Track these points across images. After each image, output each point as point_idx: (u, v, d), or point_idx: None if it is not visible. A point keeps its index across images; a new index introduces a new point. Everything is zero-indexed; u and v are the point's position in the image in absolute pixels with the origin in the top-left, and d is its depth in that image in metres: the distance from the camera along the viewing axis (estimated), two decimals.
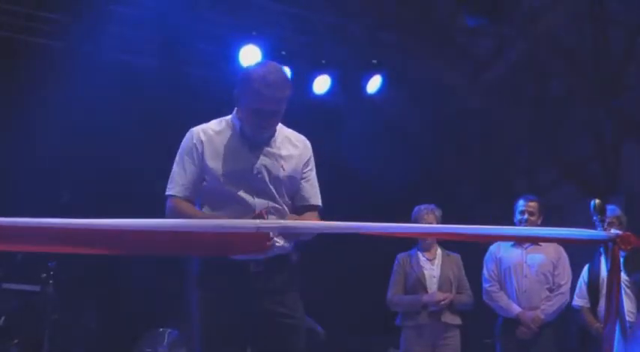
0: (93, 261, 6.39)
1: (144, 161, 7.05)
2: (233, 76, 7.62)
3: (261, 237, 3.23)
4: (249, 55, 7.45)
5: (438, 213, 6.07)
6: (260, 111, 3.43)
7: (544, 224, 5.85)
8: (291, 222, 3.35)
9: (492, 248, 6.12)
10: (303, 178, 3.62)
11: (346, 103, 8.49)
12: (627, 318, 4.90)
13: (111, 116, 7.18)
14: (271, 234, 3.26)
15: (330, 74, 8.14)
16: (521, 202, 6.03)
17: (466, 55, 9.02)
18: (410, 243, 6.25)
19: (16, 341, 6.48)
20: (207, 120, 3.67)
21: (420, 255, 6.15)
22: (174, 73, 7.72)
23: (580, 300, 5.83)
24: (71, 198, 6.86)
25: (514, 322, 5.87)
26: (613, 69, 8.46)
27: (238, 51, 7.50)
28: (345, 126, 8.47)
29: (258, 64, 3.63)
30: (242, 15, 7.63)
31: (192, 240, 3.24)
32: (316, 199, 3.65)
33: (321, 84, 8.16)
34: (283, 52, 7.62)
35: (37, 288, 6.44)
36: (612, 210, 5.49)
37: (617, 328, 3.36)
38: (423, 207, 6.07)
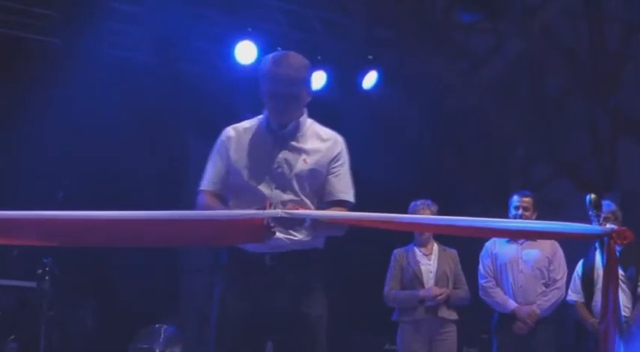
0: (89, 257, 6.40)
1: (140, 157, 7.04)
2: (229, 71, 7.65)
3: (256, 226, 3.23)
4: (245, 51, 7.45)
5: (434, 208, 6.06)
6: (275, 93, 3.43)
7: (539, 220, 5.83)
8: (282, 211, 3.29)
9: (488, 244, 6.12)
10: (331, 173, 3.55)
11: (342, 99, 8.48)
12: (622, 313, 4.91)
13: (107, 112, 7.17)
14: (271, 223, 3.25)
15: (325, 70, 8.13)
16: (515, 198, 6.03)
17: (463, 52, 9.03)
18: (406, 239, 6.24)
19: (12, 337, 6.48)
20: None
21: (416, 250, 6.15)
22: (170, 69, 7.71)
23: (574, 295, 5.82)
24: (68, 196, 6.85)
25: (510, 317, 5.87)
26: (609, 67, 8.47)
27: (234, 47, 7.50)
28: (341, 122, 8.43)
29: (275, 52, 3.62)
30: (238, 11, 7.62)
31: (187, 230, 3.28)
32: (345, 195, 3.56)
33: (317, 80, 8.15)
34: (279, 48, 7.60)
35: (33, 285, 6.41)
36: (608, 205, 5.49)
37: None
38: (419, 202, 6.07)
